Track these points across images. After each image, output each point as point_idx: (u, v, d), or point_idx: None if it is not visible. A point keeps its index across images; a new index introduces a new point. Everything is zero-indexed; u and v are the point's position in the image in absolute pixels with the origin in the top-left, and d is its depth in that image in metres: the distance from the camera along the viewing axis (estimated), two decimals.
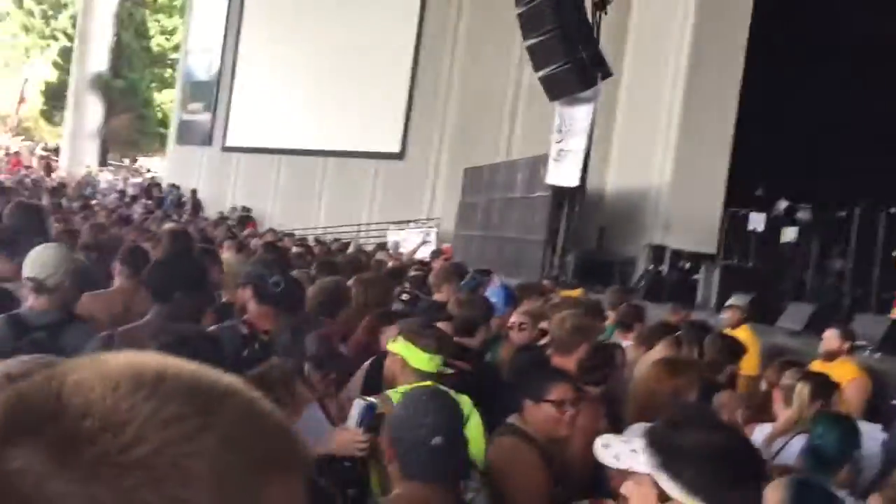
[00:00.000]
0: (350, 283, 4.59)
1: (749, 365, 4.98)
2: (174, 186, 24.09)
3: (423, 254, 11.83)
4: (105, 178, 26.47)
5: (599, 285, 9.67)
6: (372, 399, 2.66)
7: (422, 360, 2.83)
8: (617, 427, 2.67)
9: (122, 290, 4.03)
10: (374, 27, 18.97)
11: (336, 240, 14.85)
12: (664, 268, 10.82)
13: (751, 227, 9.94)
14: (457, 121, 17.39)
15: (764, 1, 11.50)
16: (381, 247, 13.16)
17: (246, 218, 19.41)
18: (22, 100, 30.37)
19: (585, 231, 12.48)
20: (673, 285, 10.12)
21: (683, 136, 12.19)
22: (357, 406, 2.61)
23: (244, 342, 3.26)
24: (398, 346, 2.90)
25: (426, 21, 18.09)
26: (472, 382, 3.23)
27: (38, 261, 3.06)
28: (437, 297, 5.11)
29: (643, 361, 3.68)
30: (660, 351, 3.88)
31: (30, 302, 3.02)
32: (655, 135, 12.96)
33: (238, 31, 22.85)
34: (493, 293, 4.90)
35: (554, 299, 4.81)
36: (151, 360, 0.54)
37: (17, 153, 29.08)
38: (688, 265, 10.59)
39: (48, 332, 2.89)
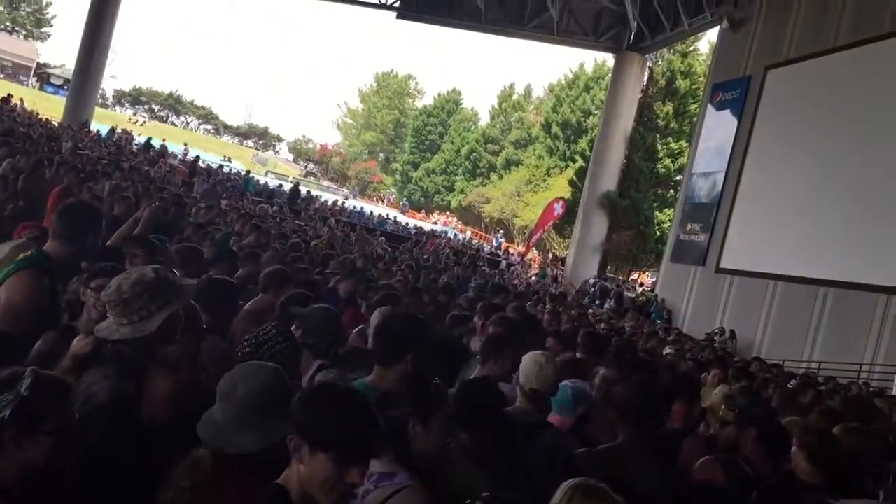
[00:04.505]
0: (837, 430, 4.23)
1: None
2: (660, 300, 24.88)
3: None
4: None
5: None
6: None
7: None
8: None
9: None
10: None
11: (831, 378, 13.67)
12: None
13: None
14: None
15: None
16: (879, 393, 11.71)
17: None
18: (557, 216, 33.86)
19: None
20: None
21: None
22: None
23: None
24: None
25: None
26: None
27: (525, 369, 3.56)
28: None
29: None
30: None
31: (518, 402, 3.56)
32: None
33: (744, 157, 22.93)
34: None
35: None
36: None
37: (436, 236, 33.43)
38: None
39: (527, 432, 3.38)
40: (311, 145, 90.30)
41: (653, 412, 3.26)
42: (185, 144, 44.86)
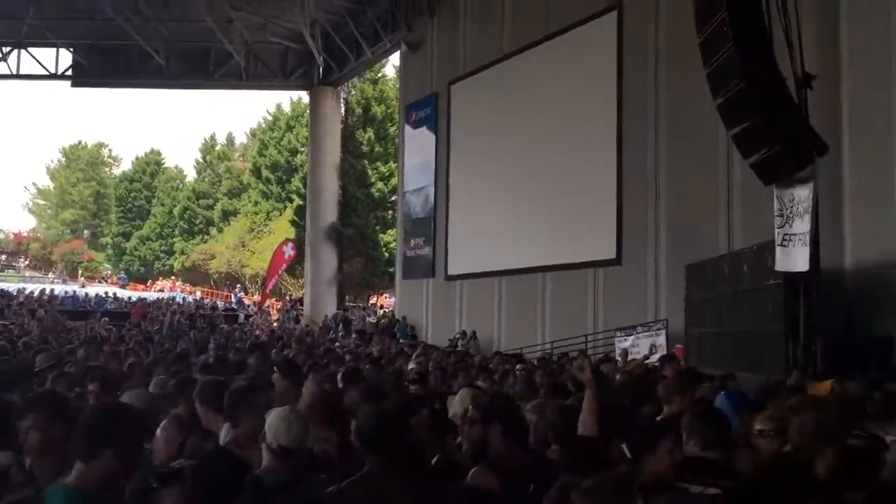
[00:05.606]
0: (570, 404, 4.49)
1: None
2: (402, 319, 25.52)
3: (654, 359, 11.44)
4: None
5: (855, 372, 8.79)
6: None
7: None
8: None
9: None
10: (574, 142, 19.40)
11: (564, 354, 14.79)
12: None
13: None
14: (670, 218, 17.00)
15: None
16: (606, 359, 12.81)
17: None
18: (288, 258, 33.17)
19: (830, 315, 11.49)
20: None
21: None
22: None
23: None
24: None
25: (625, 128, 18.15)
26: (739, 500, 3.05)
27: (272, 427, 3.37)
28: (668, 409, 4.91)
29: None
30: None
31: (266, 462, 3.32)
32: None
33: (447, 168, 24.28)
34: (719, 401, 4.64)
35: (791, 400, 4.45)
36: None
37: (141, 305, 32.32)
38: None
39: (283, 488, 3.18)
40: (1, 236, 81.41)
41: (393, 435, 3.28)
42: None
